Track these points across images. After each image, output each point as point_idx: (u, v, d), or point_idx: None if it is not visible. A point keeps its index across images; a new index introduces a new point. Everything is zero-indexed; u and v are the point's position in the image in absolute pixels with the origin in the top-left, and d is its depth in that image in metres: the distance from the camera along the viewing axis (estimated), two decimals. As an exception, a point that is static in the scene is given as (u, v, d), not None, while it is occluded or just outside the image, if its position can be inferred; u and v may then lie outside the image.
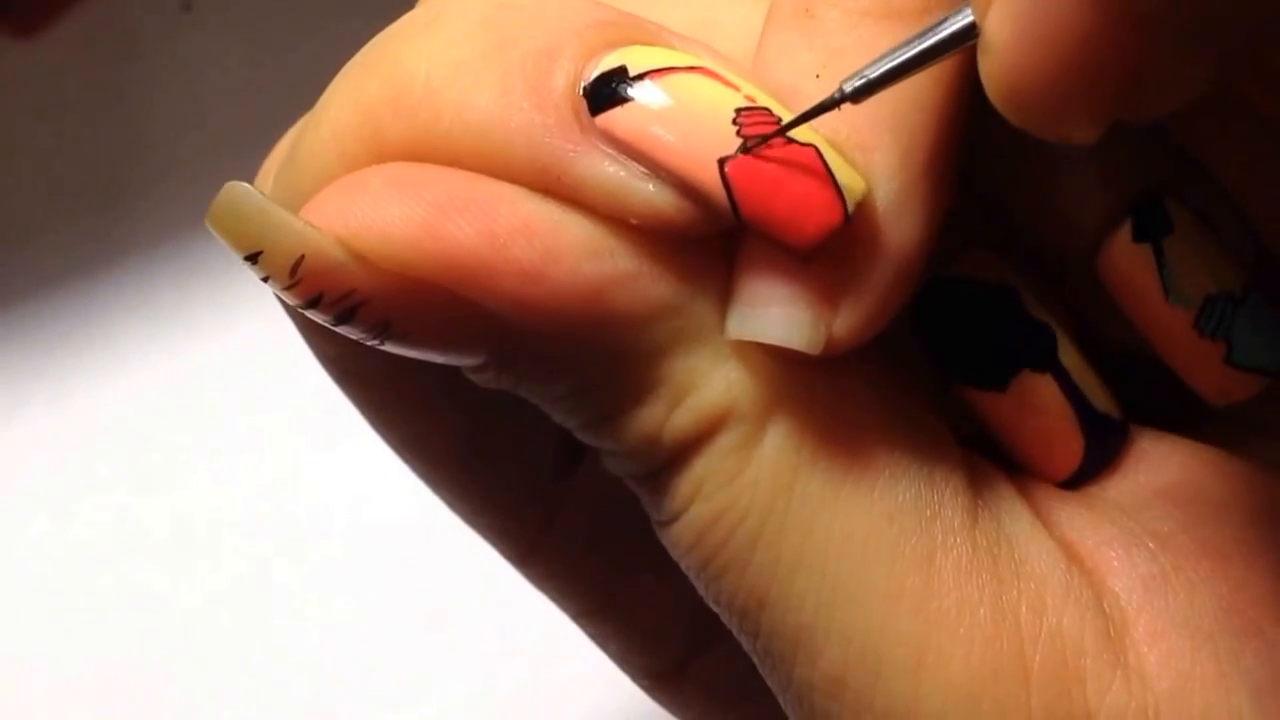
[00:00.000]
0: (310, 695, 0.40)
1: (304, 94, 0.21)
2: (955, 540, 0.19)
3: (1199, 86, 0.16)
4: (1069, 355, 0.22)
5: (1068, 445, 0.22)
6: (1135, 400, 0.23)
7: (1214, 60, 0.16)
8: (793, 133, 0.18)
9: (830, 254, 0.18)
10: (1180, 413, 0.23)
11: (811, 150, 0.18)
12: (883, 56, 0.18)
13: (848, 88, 0.18)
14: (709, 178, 0.18)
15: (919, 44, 0.18)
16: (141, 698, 0.40)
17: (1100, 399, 0.22)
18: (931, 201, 0.19)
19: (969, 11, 0.17)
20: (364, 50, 0.20)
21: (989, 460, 0.21)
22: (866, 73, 0.18)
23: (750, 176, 0.18)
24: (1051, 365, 0.21)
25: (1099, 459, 0.22)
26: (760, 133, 0.18)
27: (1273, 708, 0.19)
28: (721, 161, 0.18)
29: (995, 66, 0.16)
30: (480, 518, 0.25)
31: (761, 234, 0.18)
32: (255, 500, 0.44)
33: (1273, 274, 0.22)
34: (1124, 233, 0.21)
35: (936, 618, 0.19)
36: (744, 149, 0.18)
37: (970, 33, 0.17)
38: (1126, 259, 0.21)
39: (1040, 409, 0.21)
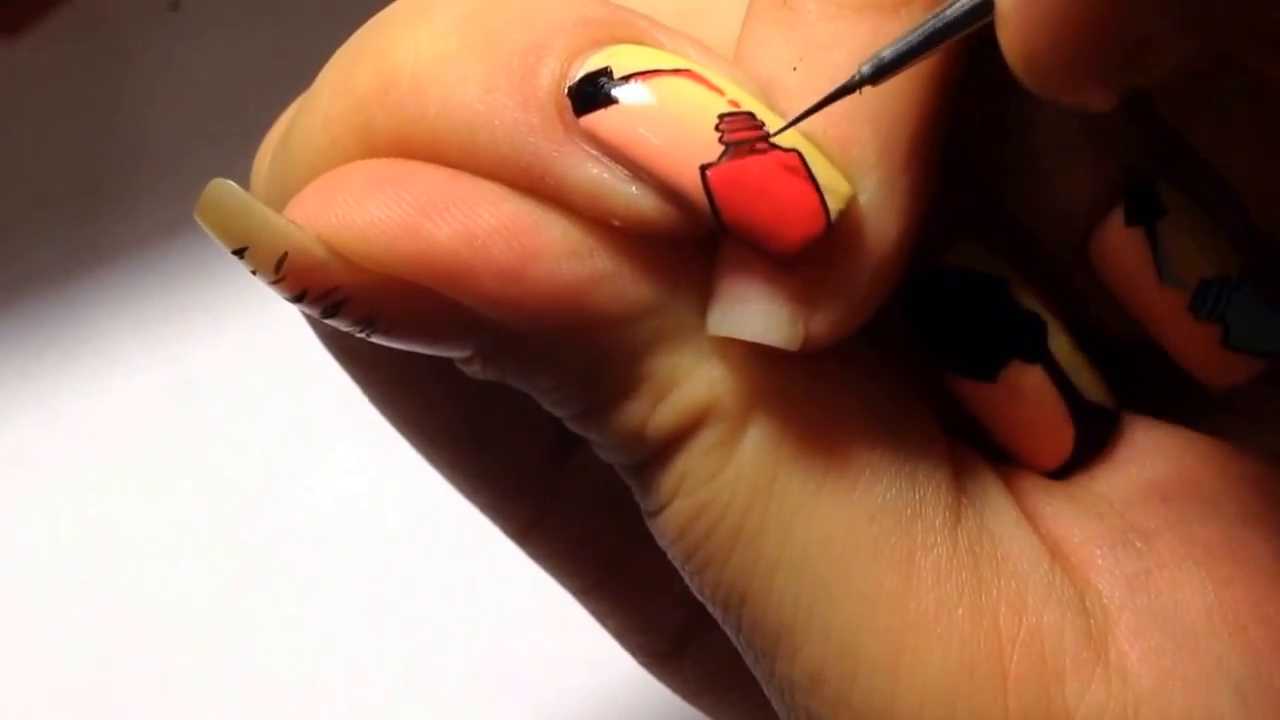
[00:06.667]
0: (300, 700, 0.40)
1: (293, 93, 0.21)
2: (936, 539, 0.19)
3: (1200, 48, 0.16)
4: (1059, 345, 0.22)
5: (1057, 435, 0.22)
6: (1134, 386, 0.23)
7: (1212, 20, 0.16)
8: (777, 137, 0.18)
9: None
10: (1180, 398, 0.23)
11: (795, 156, 0.18)
12: (898, 38, 0.18)
13: (866, 70, 0.18)
14: (691, 184, 0.18)
15: (934, 23, 0.18)
16: (130, 704, 0.40)
17: (1091, 388, 0.22)
18: (913, 195, 0.19)
19: None
20: (355, 36, 0.20)
21: (977, 452, 0.21)
22: (882, 54, 0.18)
23: (732, 184, 0.18)
24: (1041, 356, 0.21)
25: (1089, 449, 0.22)
26: (742, 139, 0.18)
27: (1255, 708, 0.19)
28: (704, 168, 0.18)
29: (1009, 36, 0.16)
30: (479, 495, 0.25)
31: (743, 241, 0.18)
32: (244, 504, 0.44)
33: (1269, 257, 0.22)
34: (1116, 217, 0.21)
35: (914, 618, 0.19)
36: (726, 155, 0.18)
37: (986, 6, 0.17)
38: (1119, 243, 0.21)
39: (1030, 399, 0.21)
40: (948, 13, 0.17)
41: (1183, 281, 0.21)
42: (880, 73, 0.18)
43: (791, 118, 0.18)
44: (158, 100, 0.51)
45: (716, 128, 0.18)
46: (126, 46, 0.52)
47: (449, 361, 0.20)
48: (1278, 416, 0.23)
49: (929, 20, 0.18)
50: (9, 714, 0.40)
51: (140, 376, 0.46)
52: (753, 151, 0.18)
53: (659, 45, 0.19)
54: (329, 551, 0.43)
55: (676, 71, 0.18)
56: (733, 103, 0.18)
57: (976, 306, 0.22)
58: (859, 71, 0.18)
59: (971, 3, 0.17)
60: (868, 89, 0.18)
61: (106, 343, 0.46)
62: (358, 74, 0.19)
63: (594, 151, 0.18)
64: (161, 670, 0.41)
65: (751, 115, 0.18)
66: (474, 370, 0.20)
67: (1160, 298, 0.21)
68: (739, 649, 0.20)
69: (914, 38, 0.18)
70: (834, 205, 0.18)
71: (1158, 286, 0.21)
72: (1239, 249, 0.21)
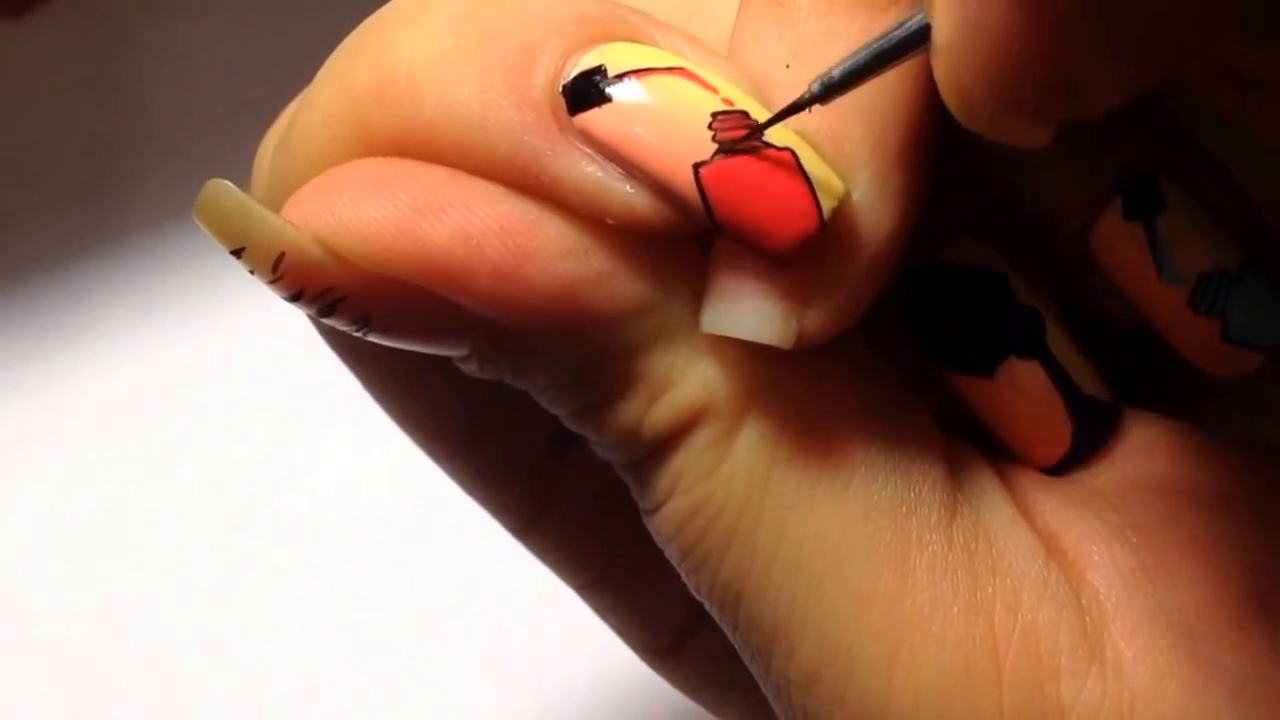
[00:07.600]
0: (298, 684, 0.40)
1: (297, 77, 0.21)
2: (931, 537, 0.19)
3: (1134, 87, 0.16)
4: (1058, 341, 0.22)
5: (1055, 432, 0.22)
6: (1135, 377, 0.23)
7: (1142, 62, 0.16)
8: (770, 134, 0.18)
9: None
10: (1179, 386, 0.23)
11: (788, 154, 0.18)
12: (846, 57, 0.18)
13: (815, 88, 0.18)
14: (684, 182, 0.18)
15: (879, 45, 0.18)
16: (130, 686, 0.40)
17: (1089, 384, 0.22)
18: (905, 192, 0.19)
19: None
20: (353, 34, 0.20)
21: (974, 447, 0.21)
22: (832, 74, 0.18)
23: (725, 182, 0.18)
24: (1039, 352, 0.21)
25: (1087, 445, 0.22)
26: (735, 136, 0.18)
27: (1251, 705, 0.19)
28: (696, 166, 0.18)
29: (942, 68, 0.16)
30: (480, 491, 0.25)
31: (736, 238, 0.18)
32: (245, 488, 0.43)
33: (1273, 250, 0.21)
34: (1115, 211, 0.21)
35: (910, 616, 0.19)
36: (719, 153, 0.18)
37: (927, 34, 0.17)
38: (1118, 238, 0.21)
39: (1027, 395, 0.21)
40: (893, 34, 0.18)
41: (1182, 276, 0.21)
42: (829, 91, 0.18)
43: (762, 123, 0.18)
44: (162, 83, 0.51)
45: (710, 126, 0.18)
46: (130, 29, 0.52)
47: (449, 359, 0.21)
48: (1277, 407, 0.23)
49: (875, 43, 0.18)
50: (11, 697, 0.40)
51: (142, 360, 0.46)
52: (746, 149, 0.18)
53: (653, 42, 0.19)
54: (330, 536, 0.43)
55: (670, 69, 0.18)
56: (726, 101, 0.18)
57: (974, 302, 0.22)
58: (809, 90, 0.18)
59: (914, 28, 0.17)
60: (872, 88, 0.18)
61: (108, 326, 0.46)
62: (355, 73, 0.19)
63: (588, 150, 0.18)
64: (160, 653, 0.41)
65: (745, 113, 0.18)
66: (471, 369, 0.20)
67: (1159, 292, 0.21)
68: (736, 647, 0.20)
69: (860, 58, 0.18)
70: (827, 203, 0.18)
71: (1157, 281, 0.21)
72: (1239, 242, 0.21)
